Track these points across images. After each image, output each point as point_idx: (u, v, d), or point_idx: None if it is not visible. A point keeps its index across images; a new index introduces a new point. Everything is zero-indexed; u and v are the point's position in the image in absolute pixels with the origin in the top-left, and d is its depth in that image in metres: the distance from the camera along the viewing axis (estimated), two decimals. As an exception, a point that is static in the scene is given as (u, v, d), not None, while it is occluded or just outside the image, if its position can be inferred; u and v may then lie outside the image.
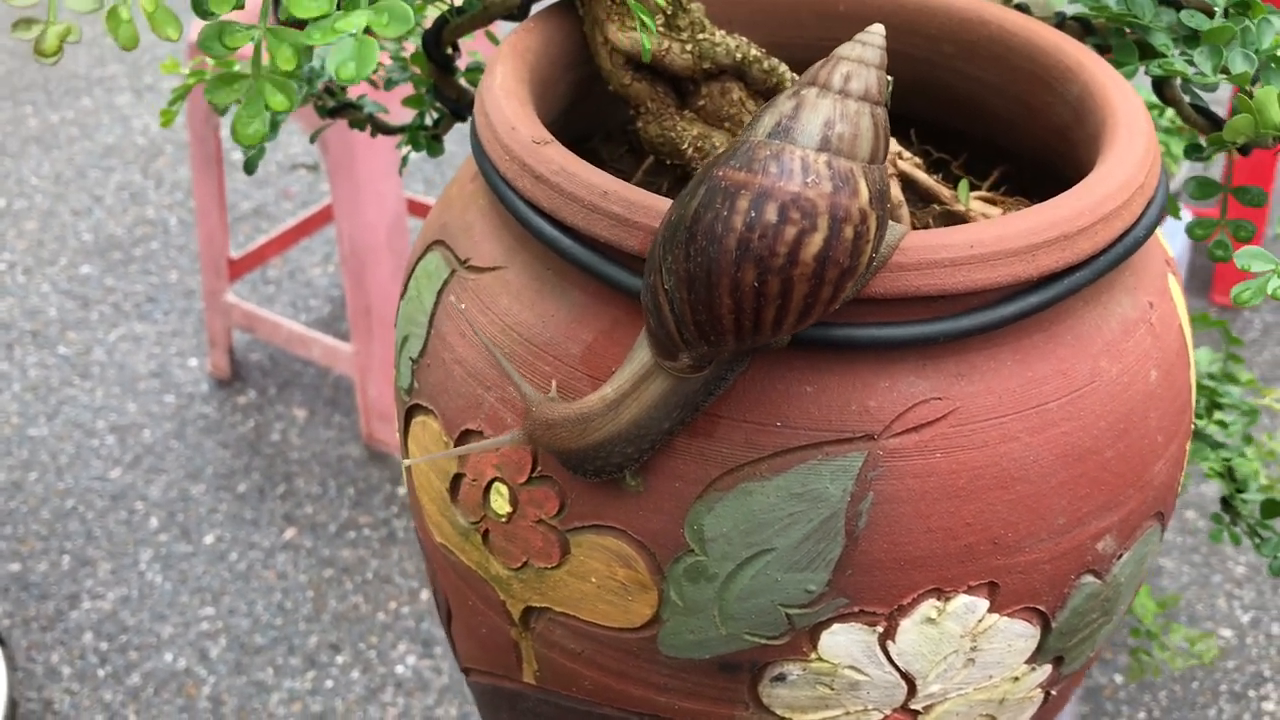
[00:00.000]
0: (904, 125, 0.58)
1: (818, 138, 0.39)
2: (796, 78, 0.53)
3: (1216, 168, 2.12)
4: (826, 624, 0.44)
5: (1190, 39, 0.60)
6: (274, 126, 0.77)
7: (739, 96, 0.53)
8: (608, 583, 0.45)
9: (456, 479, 0.49)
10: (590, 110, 0.58)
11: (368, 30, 0.32)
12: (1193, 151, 0.59)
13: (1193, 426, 0.53)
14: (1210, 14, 0.60)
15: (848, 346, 0.42)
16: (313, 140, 0.81)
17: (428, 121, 0.74)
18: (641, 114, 0.54)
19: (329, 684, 1.55)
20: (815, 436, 0.42)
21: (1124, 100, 0.50)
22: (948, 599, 0.44)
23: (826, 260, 0.38)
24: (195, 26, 1.69)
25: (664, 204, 0.43)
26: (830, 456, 0.42)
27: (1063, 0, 0.65)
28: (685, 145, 0.53)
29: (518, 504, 0.46)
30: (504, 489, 0.47)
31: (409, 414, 0.51)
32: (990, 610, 0.45)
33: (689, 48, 0.52)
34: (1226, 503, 0.74)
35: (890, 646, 0.45)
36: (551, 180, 0.44)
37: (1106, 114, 0.49)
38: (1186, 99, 0.62)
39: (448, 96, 0.70)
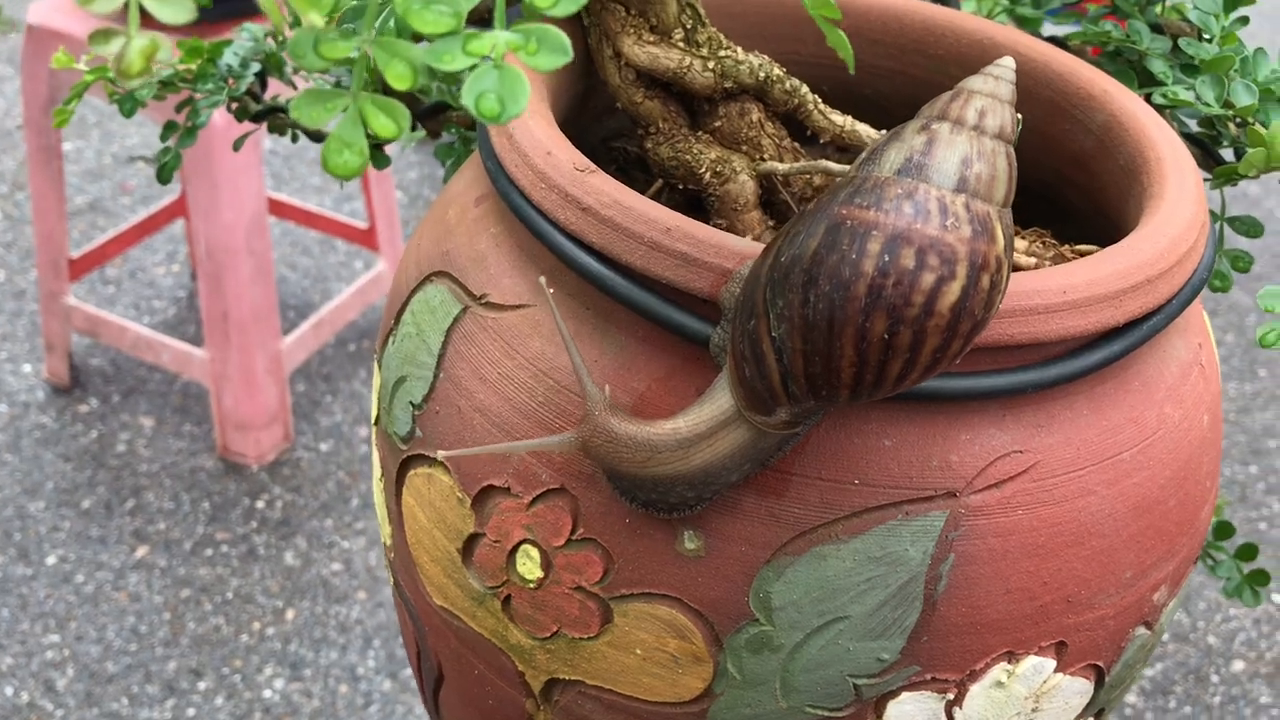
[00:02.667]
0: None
1: (955, 177, 0.35)
2: (818, 99, 0.50)
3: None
4: (895, 693, 0.41)
5: (1185, 68, 0.59)
6: (191, 133, 0.70)
7: (758, 118, 0.50)
8: (655, 654, 0.41)
9: (472, 540, 0.44)
10: (578, 123, 0.54)
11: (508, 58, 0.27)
12: (1185, 180, 0.59)
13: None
14: (1200, 40, 0.59)
15: (930, 398, 0.39)
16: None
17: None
18: (652, 134, 0.50)
19: (190, 712, 1.46)
20: (895, 495, 0.39)
21: (1162, 132, 0.48)
22: (1018, 661, 0.42)
23: (962, 311, 0.34)
24: (82, 21, 1.56)
25: (739, 243, 0.39)
26: (911, 516, 0.39)
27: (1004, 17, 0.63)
28: (703, 169, 0.49)
29: (551, 568, 0.42)
30: (535, 552, 0.42)
31: (406, 464, 0.46)
32: (1056, 670, 0.43)
33: (711, 65, 0.48)
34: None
35: (956, 712, 0.42)
36: (603, 214, 0.40)
37: (1145, 146, 0.48)
38: (1175, 126, 0.61)
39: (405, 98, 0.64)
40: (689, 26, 0.48)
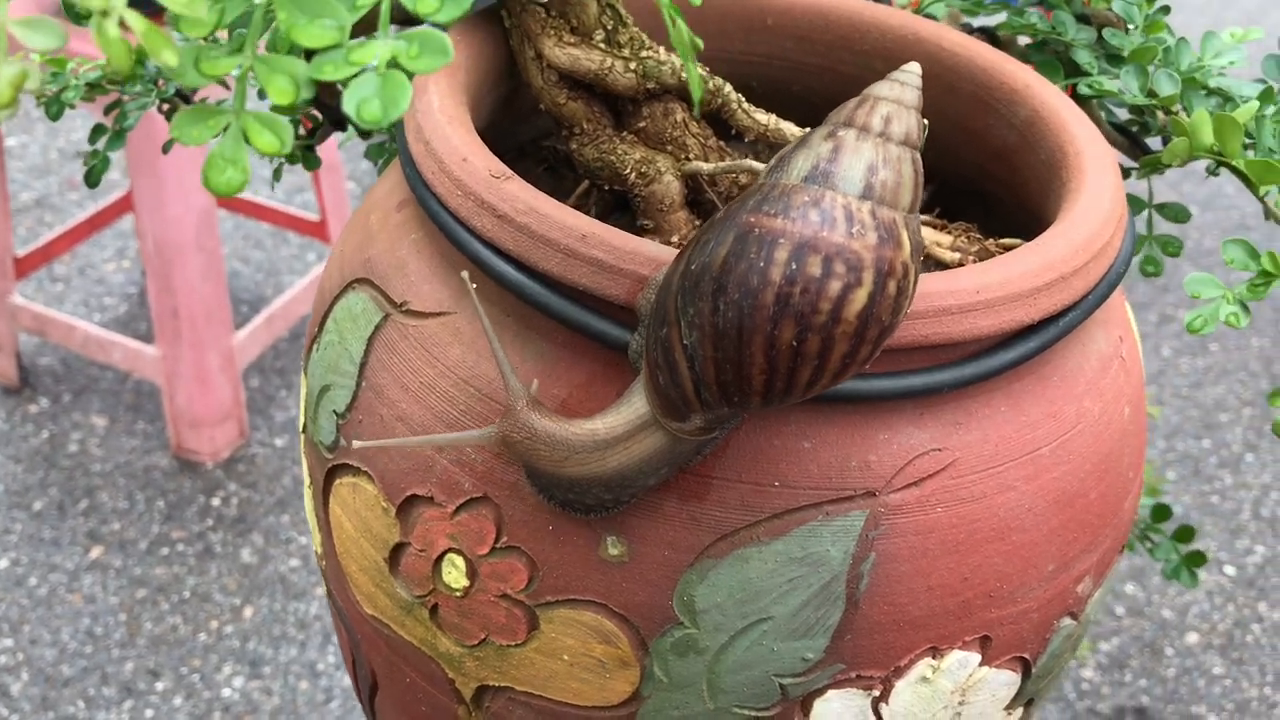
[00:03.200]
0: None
1: (861, 184, 0.35)
2: (742, 99, 0.50)
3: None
4: (821, 691, 0.41)
5: (1110, 58, 0.60)
6: (119, 135, 0.69)
7: (682, 118, 0.50)
8: (582, 660, 0.41)
9: (398, 549, 0.44)
10: (505, 124, 0.54)
11: (394, 64, 0.27)
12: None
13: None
14: (1125, 30, 0.60)
15: (848, 400, 0.39)
16: (166, 150, 0.73)
17: (300, 130, 0.68)
18: (576, 135, 0.50)
19: (149, 713, 1.45)
20: (815, 496, 0.39)
21: (1083, 128, 0.48)
22: (942, 656, 0.42)
23: (869, 318, 0.35)
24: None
25: (653, 249, 0.39)
26: (831, 517, 0.40)
27: (942, 9, 0.63)
28: (627, 170, 0.49)
29: (477, 577, 0.42)
30: (460, 561, 0.42)
31: (332, 473, 0.46)
32: (981, 664, 0.43)
33: (632, 66, 0.48)
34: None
35: (883, 709, 0.42)
36: (518, 221, 0.40)
37: (1066, 142, 0.48)
38: (1103, 116, 0.62)
39: (325, 103, 0.64)
40: (610, 27, 0.48)
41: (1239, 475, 1.80)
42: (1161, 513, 0.73)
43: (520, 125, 0.55)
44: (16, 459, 1.72)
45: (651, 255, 0.38)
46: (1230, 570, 1.66)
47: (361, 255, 0.46)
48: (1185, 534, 0.71)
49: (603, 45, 0.48)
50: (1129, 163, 0.59)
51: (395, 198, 0.47)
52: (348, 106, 0.27)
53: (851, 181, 0.35)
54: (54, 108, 0.70)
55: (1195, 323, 0.51)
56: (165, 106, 0.71)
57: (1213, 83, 0.59)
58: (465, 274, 0.40)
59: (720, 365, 0.35)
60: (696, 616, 0.40)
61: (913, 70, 0.38)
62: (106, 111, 0.70)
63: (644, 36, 0.49)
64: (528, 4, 0.48)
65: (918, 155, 0.37)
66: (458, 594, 0.42)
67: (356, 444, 0.41)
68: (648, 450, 0.38)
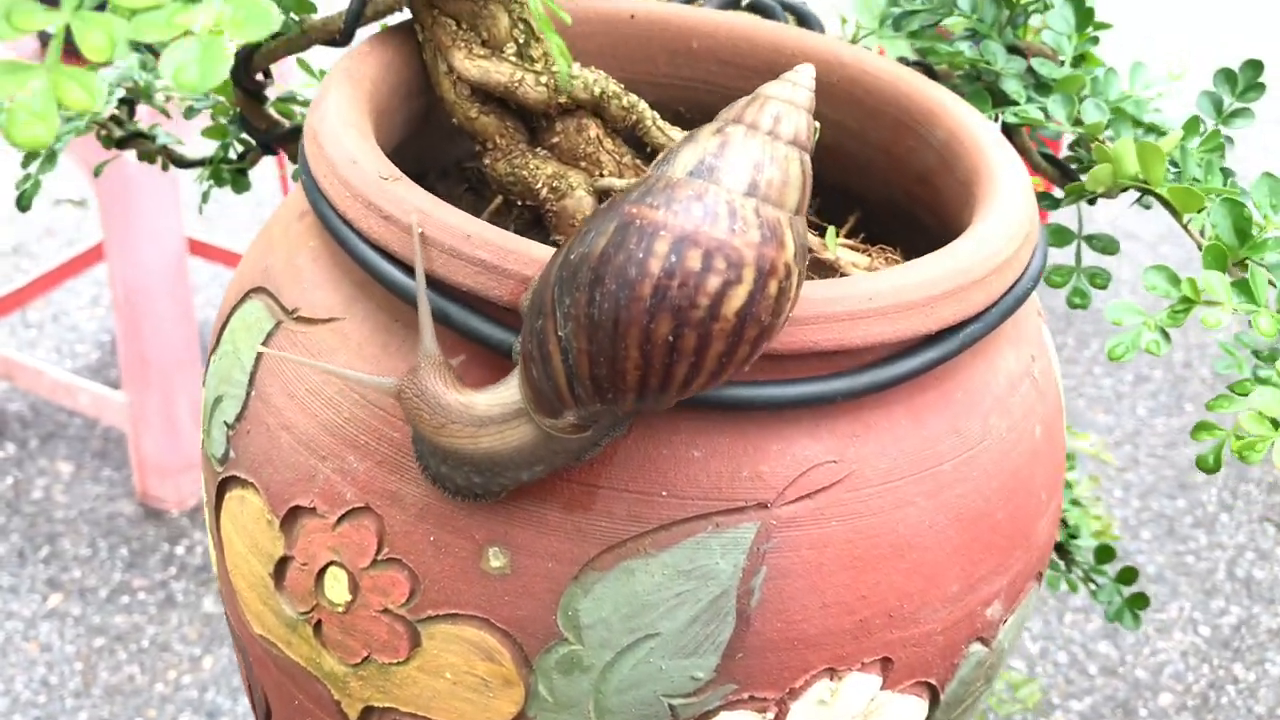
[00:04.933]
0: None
1: (746, 181, 0.35)
2: (656, 116, 0.50)
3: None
4: (713, 714, 0.40)
5: (1040, 88, 0.59)
6: (51, 158, 0.69)
7: (596, 134, 0.49)
8: (465, 679, 0.40)
9: (282, 563, 0.42)
10: (427, 144, 0.53)
11: (216, 30, 0.26)
12: (1044, 200, 0.59)
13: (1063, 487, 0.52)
14: (1057, 62, 0.59)
15: (739, 407, 0.38)
16: (97, 173, 0.73)
17: (232, 154, 0.67)
18: (489, 150, 0.49)
19: (100, 766, 1.42)
20: (704, 507, 0.38)
21: (996, 145, 0.48)
22: (840, 678, 0.41)
23: (748, 317, 0.34)
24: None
25: (538, 249, 0.38)
26: (721, 529, 0.38)
27: (904, 46, 0.63)
28: (539, 185, 0.48)
29: (358, 591, 0.41)
30: (342, 574, 0.41)
31: (222, 487, 0.45)
32: (883, 687, 0.42)
33: (544, 79, 0.48)
34: (1060, 548, 0.74)
35: (780, 733, 0.41)
36: (403, 222, 0.39)
37: (980, 160, 0.47)
38: (1034, 147, 0.61)
39: (256, 127, 0.63)
40: (521, 41, 0.48)
41: (1214, 535, 1.78)
42: (1105, 554, 0.71)
43: (445, 146, 0.55)
44: (-21, 505, 1.70)
45: (536, 255, 0.38)
46: (1205, 631, 1.63)
47: (260, 265, 0.45)
48: (1128, 575, 0.70)
49: (514, 59, 0.48)
50: (1059, 193, 0.58)
51: (298, 208, 0.46)
52: (164, 70, 0.26)
53: (737, 177, 0.35)
54: (-13, 130, 0.70)
55: (1116, 350, 0.50)
56: (103, 132, 0.70)
57: (1146, 117, 0.58)
58: (415, 218, 0.38)
59: (594, 358, 0.34)
60: (581, 632, 0.39)
61: (806, 71, 0.37)
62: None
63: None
64: (439, 17, 0.47)
65: (807, 157, 0.36)
66: (340, 609, 0.41)
67: (261, 349, 0.40)
68: (519, 440, 0.37)
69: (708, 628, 0.39)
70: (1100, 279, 0.57)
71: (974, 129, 0.49)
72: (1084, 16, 0.59)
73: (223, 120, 0.66)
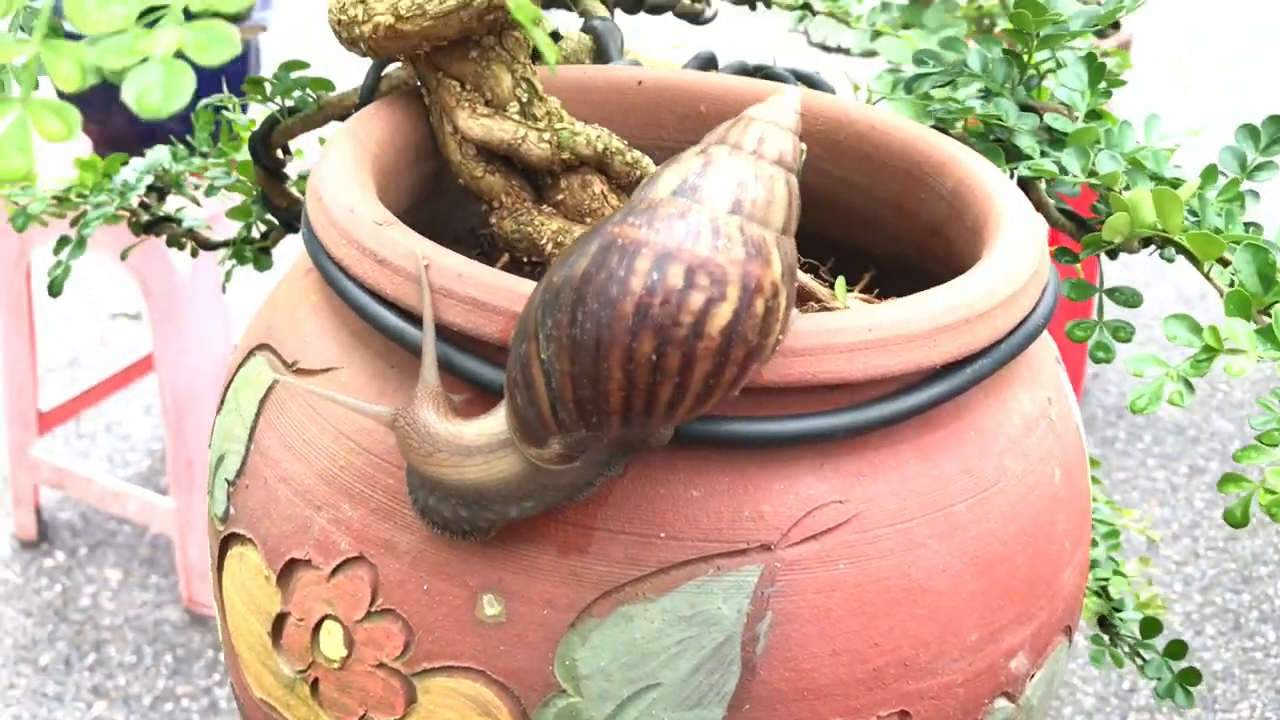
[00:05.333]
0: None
1: (729, 199, 0.34)
2: (661, 169, 0.50)
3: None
4: (721, 770, 0.38)
5: (1054, 143, 0.59)
6: (80, 244, 0.70)
7: (600, 190, 0.49)
8: (464, 734, 0.38)
9: (280, 620, 0.41)
10: (438, 210, 0.53)
11: (179, 55, 0.26)
12: (1064, 255, 0.58)
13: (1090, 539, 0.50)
14: (1071, 118, 0.59)
15: (738, 444, 0.37)
16: (124, 257, 0.74)
17: (255, 234, 0.68)
18: (495, 209, 0.49)
19: None
20: (705, 549, 0.37)
21: (1004, 189, 0.47)
22: (856, 734, 0.39)
23: (734, 336, 0.33)
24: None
25: (527, 285, 0.37)
26: (722, 571, 0.37)
27: (918, 109, 0.63)
28: (544, 241, 0.48)
29: (353, 645, 0.39)
30: (336, 628, 0.40)
31: (224, 546, 0.44)
32: (902, 745, 0.40)
33: (547, 136, 0.48)
34: (1104, 622, 0.71)
35: (792, 794, 0.39)
36: (395, 264, 0.39)
37: (988, 204, 0.47)
38: (1052, 202, 0.60)
39: (277, 206, 0.64)
40: (525, 100, 0.48)
41: (1284, 630, 1.71)
42: (1151, 626, 0.68)
43: (456, 212, 0.55)
44: (28, 613, 1.71)
45: (524, 291, 0.37)
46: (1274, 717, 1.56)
47: (265, 323, 0.46)
48: (1177, 649, 0.67)
49: (516, 117, 0.48)
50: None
51: (303, 266, 0.46)
52: (127, 95, 0.26)
53: (720, 196, 0.34)
54: (20, 220, 0.71)
55: (1139, 402, 0.48)
56: (130, 217, 0.72)
57: (1167, 172, 0.58)
58: (420, 254, 0.38)
59: (577, 380, 0.33)
60: (579, 683, 0.37)
61: (792, 94, 0.37)
62: (73, 224, 0.71)
63: (561, 111, 0.49)
64: (443, 79, 0.48)
65: (793, 178, 0.36)
66: (335, 665, 0.40)
67: (280, 376, 0.39)
68: (505, 472, 0.36)
69: (711, 677, 0.37)
70: (1123, 332, 0.56)
71: (982, 175, 0.48)
72: (1096, 72, 0.58)
73: (247, 200, 0.67)
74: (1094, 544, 0.78)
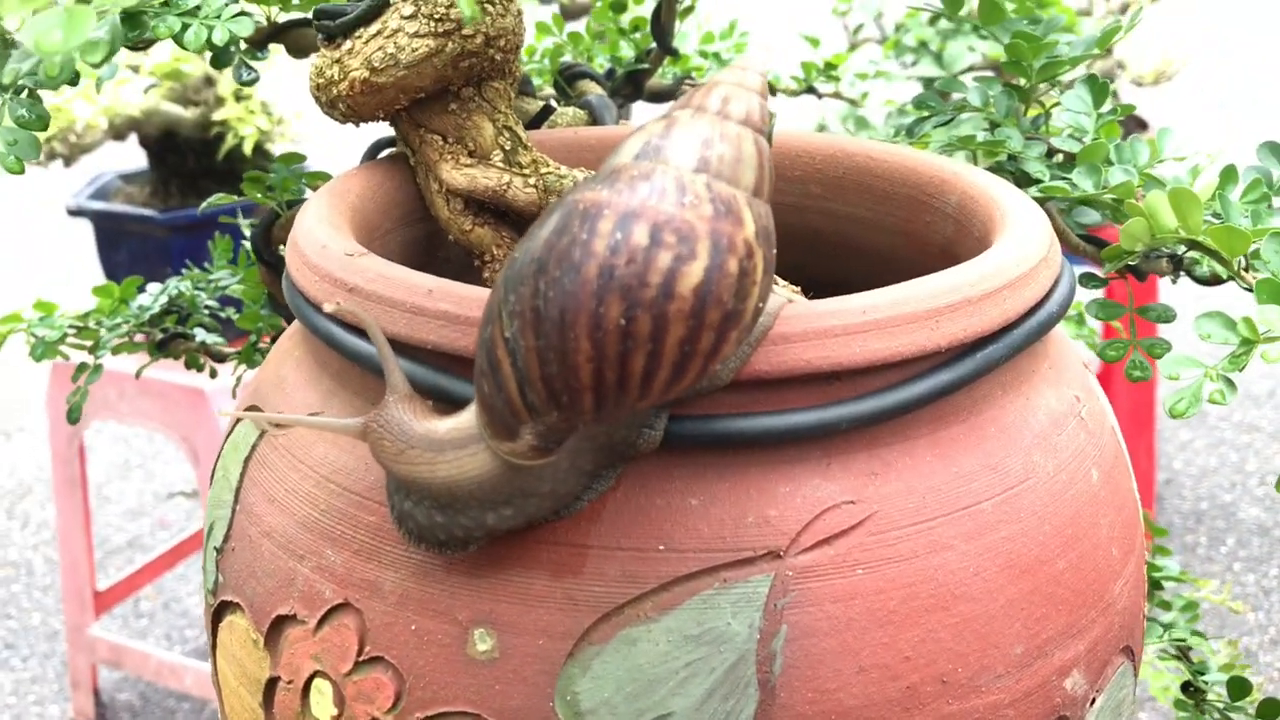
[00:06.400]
0: (780, 275, 0.53)
1: (695, 158, 0.33)
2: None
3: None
4: (748, 811, 0.34)
5: (1064, 166, 0.57)
6: (97, 370, 0.70)
7: (592, 233, 0.48)
8: (464, 789, 0.35)
9: (271, 686, 0.39)
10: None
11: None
12: (1089, 280, 0.55)
13: (1145, 557, 0.46)
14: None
15: (736, 443, 0.35)
16: (137, 375, 0.74)
17: (265, 342, 0.68)
18: (488, 263, 0.48)
19: None
20: (708, 560, 0.34)
21: (1007, 194, 0.45)
22: (896, 763, 0.35)
23: (708, 297, 0.31)
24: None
25: (499, 294, 0.36)
26: (729, 584, 0.34)
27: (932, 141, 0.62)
28: (536, 287, 0.47)
29: (344, 703, 0.37)
30: (327, 686, 0.37)
31: (216, 619, 0.42)
32: (950, 776, 0.36)
33: (533, 181, 0.47)
34: (1188, 687, 0.66)
35: (832, 836, 0.35)
36: (367, 290, 0.37)
37: (992, 211, 0.45)
38: (1072, 231, 0.58)
39: (281, 303, 0.64)
40: (508, 148, 0.47)
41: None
42: (1240, 688, 0.63)
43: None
44: (86, 799, 1.67)
45: (498, 301, 0.35)
46: None
47: (252, 388, 0.44)
48: (1271, 709, 0.61)
49: (500, 164, 0.47)
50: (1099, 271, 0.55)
51: (289, 330, 0.45)
52: (27, 38, 0.25)
53: (684, 155, 0.33)
54: (39, 350, 0.72)
55: (1178, 406, 0.45)
56: (143, 338, 0.72)
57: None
58: (340, 303, 0.37)
59: (543, 355, 0.31)
60: (583, 719, 0.34)
61: (755, 57, 0.36)
62: (90, 350, 0.71)
63: (546, 158, 0.48)
64: (425, 135, 0.47)
65: (762, 140, 0.34)
66: (328, 727, 0.37)
67: (223, 412, 0.37)
68: (477, 469, 0.33)
69: (726, 703, 0.34)
70: (1159, 349, 0.53)
71: (985, 186, 0.46)
72: (1100, 92, 0.57)
73: (256, 307, 0.67)
74: (1167, 607, 0.73)
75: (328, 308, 0.37)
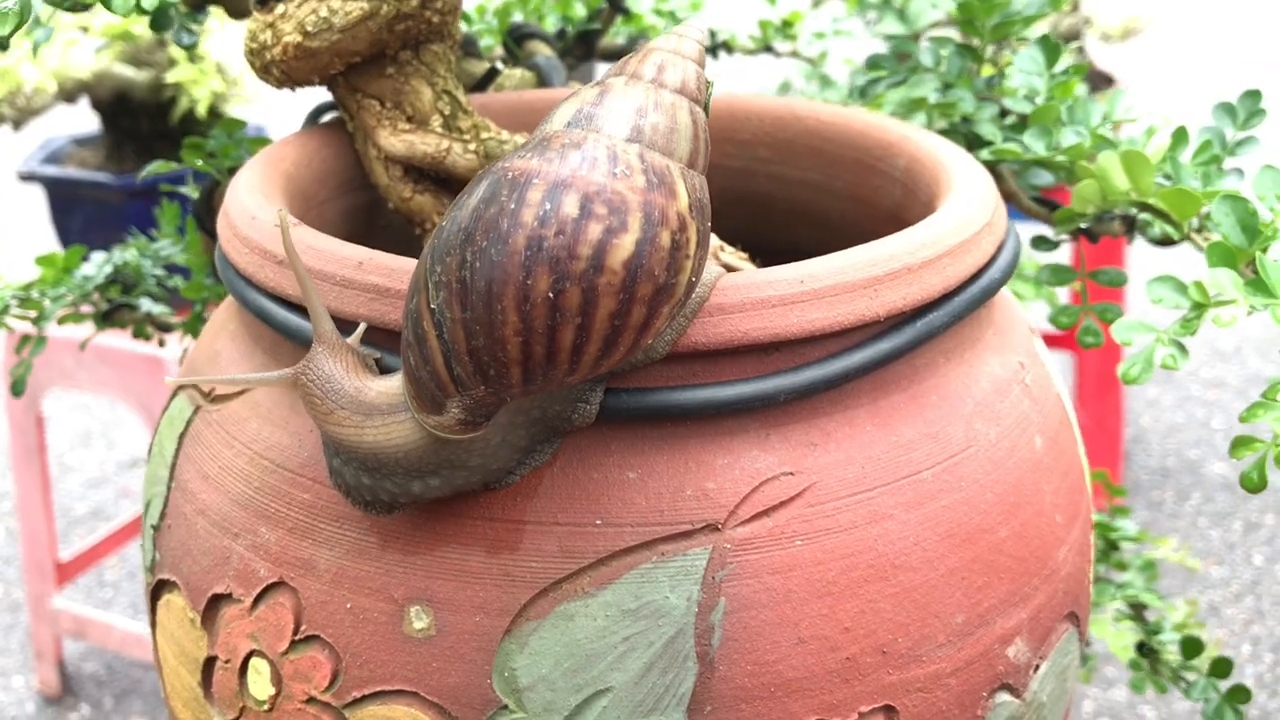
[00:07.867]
0: (729, 240, 0.52)
1: (628, 127, 0.32)
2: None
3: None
4: (689, 784, 0.34)
5: (1016, 127, 0.57)
6: (41, 342, 0.69)
7: (535, 200, 0.47)
8: (403, 767, 0.35)
9: (209, 665, 0.38)
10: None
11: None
12: (1041, 243, 0.55)
13: (1092, 521, 0.46)
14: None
15: (674, 416, 0.34)
16: (82, 348, 0.72)
17: (210, 312, 0.67)
18: (428, 231, 0.47)
19: None
20: (646, 534, 0.34)
21: (954, 157, 0.45)
22: (837, 734, 0.35)
23: (639, 270, 0.30)
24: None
25: (429, 265, 0.35)
26: (667, 557, 0.34)
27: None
28: (478, 256, 0.46)
29: (281, 682, 0.36)
30: (264, 665, 0.36)
31: (154, 597, 0.41)
32: (892, 745, 0.36)
33: (472, 147, 0.46)
34: (1142, 647, 0.66)
35: (774, 808, 0.35)
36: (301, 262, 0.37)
37: (939, 173, 0.44)
38: (1025, 193, 0.58)
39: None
40: (447, 113, 0.46)
41: (1361, 681, 1.62)
42: (1192, 647, 0.64)
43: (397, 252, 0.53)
44: (53, 769, 1.66)
45: (429, 273, 0.35)
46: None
47: (188, 365, 0.43)
48: (1221, 668, 0.62)
49: (440, 130, 0.46)
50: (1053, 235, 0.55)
51: (225, 300, 0.44)
52: None
53: (617, 124, 0.32)
54: (-19, 320, 0.70)
55: (1130, 372, 0.45)
56: (93, 311, 0.71)
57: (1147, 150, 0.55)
58: (281, 211, 0.36)
59: (470, 328, 0.30)
60: (521, 695, 0.34)
61: (693, 24, 0.35)
62: (34, 322, 0.69)
63: (488, 122, 0.47)
64: (363, 100, 0.46)
65: (699, 109, 0.34)
66: (265, 706, 0.36)
67: (168, 379, 0.36)
68: (403, 438, 0.33)
69: (665, 676, 0.34)
70: (1110, 314, 0.52)
71: (933, 149, 0.46)
72: (1052, 53, 0.56)
73: (200, 278, 0.65)
74: (1124, 568, 0.73)
75: (281, 215, 0.35)
